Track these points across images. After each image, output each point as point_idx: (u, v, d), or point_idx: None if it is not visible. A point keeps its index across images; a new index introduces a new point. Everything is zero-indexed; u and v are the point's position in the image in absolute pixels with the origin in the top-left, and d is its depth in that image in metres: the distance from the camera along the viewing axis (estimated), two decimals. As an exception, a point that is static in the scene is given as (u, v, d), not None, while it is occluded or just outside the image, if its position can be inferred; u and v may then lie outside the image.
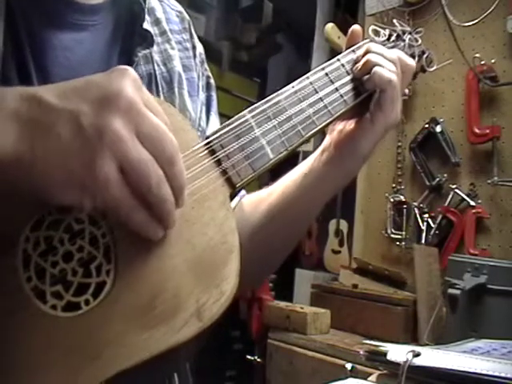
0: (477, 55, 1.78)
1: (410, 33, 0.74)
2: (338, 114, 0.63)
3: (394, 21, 0.74)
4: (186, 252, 0.48)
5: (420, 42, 0.75)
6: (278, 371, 1.72)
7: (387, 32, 0.73)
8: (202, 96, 0.74)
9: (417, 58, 0.74)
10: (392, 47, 0.72)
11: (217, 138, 0.54)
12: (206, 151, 0.53)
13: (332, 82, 0.64)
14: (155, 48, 0.67)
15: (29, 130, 0.40)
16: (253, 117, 0.57)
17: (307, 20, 2.69)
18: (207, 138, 0.54)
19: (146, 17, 0.66)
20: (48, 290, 0.43)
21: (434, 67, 0.76)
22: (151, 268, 0.46)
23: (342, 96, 0.64)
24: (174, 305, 0.45)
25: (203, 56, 0.76)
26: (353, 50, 0.68)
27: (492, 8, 1.78)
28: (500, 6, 1.77)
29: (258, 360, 1.96)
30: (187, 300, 0.46)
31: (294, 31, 3.31)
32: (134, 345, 0.43)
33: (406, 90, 1.93)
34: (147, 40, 0.65)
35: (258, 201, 0.72)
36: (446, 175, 1.86)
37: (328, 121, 0.62)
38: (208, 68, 0.77)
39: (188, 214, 0.48)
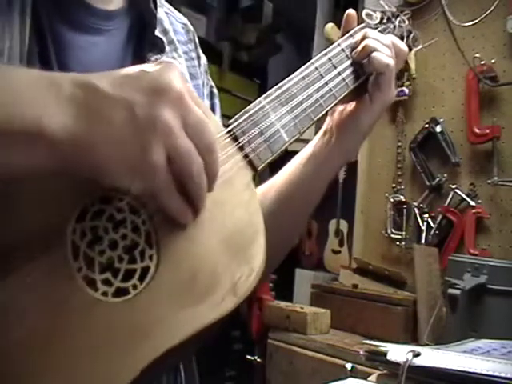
0: (477, 55, 1.78)
1: (397, 15, 0.79)
2: (342, 96, 0.68)
3: (381, 2, 0.77)
4: (219, 233, 0.51)
5: (407, 22, 0.80)
6: (278, 371, 1.72)
7: (379, 15, 0.78)
8: (207, 103, 0.77)
9: (405, 39, 0.79)
10: (384, 29, 0.77)
11: (238, 125, 0.58)
12: (229, 138, 0.57)
13: (335, 67, 0.69)
14: (164, 56, 0.69)
15: (85, 114, 0.42)
16: (268, 103, 0.61)
17: (307, 20, 2.69)
18: (228, 125, 0.58)
19: None
20: (98, 278, 0.46)
21: (420, 46, 0.82)
22: (189, 250, 0.49)
23: (344, 79, 0.69)
24: (212, 283, 0.49)
25: (206, 67, 0.80)
26: (351, 35, 0.72)
27: (492, 8, 1.78)
28: (500, 5, 1.77)
29: (258, 360, 1.96)
30: (223, 278, 0.49)
31: (294, 31, 3.31)
32: (180, 322, 0.46)
33: (406, 90, 1.95)
34: (158, 46, 0.68)
35: (265, 190, 0.74)
36: (445, 175, 1.86)
37: (333, 103, 0.67)
38: (210, 78, 0.81)
39: (218, 197, 0.52)
